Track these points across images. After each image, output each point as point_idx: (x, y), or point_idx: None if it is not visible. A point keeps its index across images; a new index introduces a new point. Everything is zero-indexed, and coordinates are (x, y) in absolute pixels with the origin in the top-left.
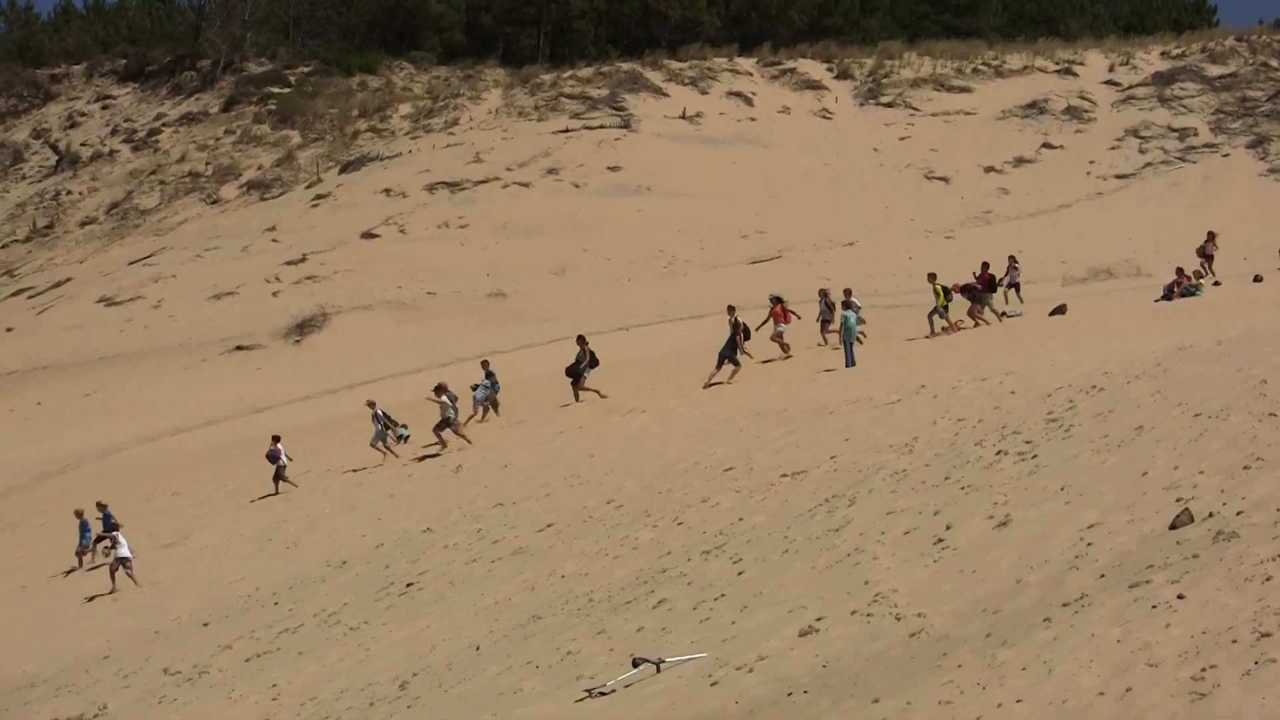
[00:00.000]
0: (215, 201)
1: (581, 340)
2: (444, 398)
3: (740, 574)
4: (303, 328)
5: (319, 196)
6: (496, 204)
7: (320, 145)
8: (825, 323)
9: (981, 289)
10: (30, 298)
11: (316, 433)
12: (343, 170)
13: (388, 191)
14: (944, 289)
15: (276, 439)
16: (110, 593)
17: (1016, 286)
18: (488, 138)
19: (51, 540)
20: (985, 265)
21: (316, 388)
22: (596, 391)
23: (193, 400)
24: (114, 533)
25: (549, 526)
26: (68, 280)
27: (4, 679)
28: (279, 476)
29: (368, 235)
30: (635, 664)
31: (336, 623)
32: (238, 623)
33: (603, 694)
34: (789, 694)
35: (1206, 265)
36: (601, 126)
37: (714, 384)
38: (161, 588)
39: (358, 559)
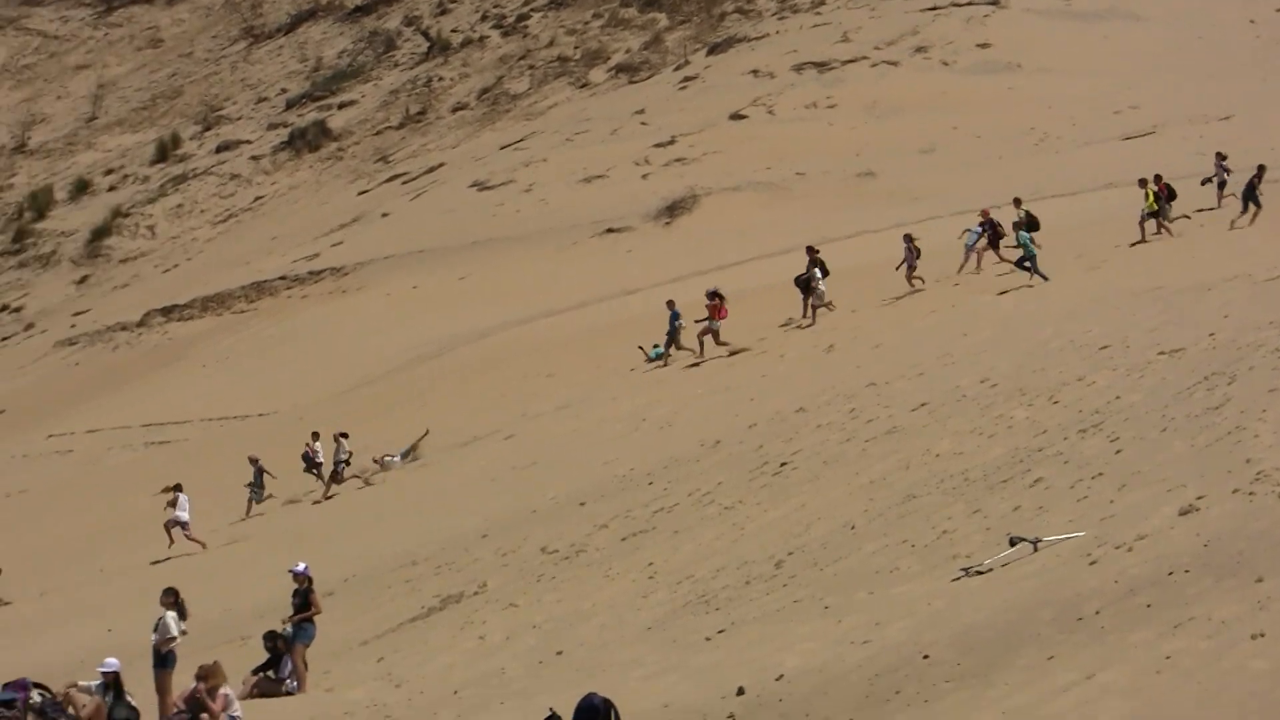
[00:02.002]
0: (584, 85)
1: (811, 250)
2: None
3: (1118, 452)
4: (672, 210)
5: (687, 79)
6: (864, 83)
7: (687, 28)
8: (911, 268)
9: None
10: (404, 183)
11: (686, 314)
12: (710, 52)
13: (755, 73)
14: (1155, 193)
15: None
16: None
17: (1222, 185)
18: (855, 17)
19: (427, 422)
20: (1158, 178)
21: (687, 269)
22: (828, 306)
23: (564, 283)
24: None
25: (922, 405)
26: (440, 166)
27: (387, 558)
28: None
29: (735, 117)
30: (1012, 543)
31: (711, 502)
32: (613, 502)
33: (979, 573)
34: (1169, 573)
35: None
36: (970, 3)
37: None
38: (538, 468)
39: (731, 439)
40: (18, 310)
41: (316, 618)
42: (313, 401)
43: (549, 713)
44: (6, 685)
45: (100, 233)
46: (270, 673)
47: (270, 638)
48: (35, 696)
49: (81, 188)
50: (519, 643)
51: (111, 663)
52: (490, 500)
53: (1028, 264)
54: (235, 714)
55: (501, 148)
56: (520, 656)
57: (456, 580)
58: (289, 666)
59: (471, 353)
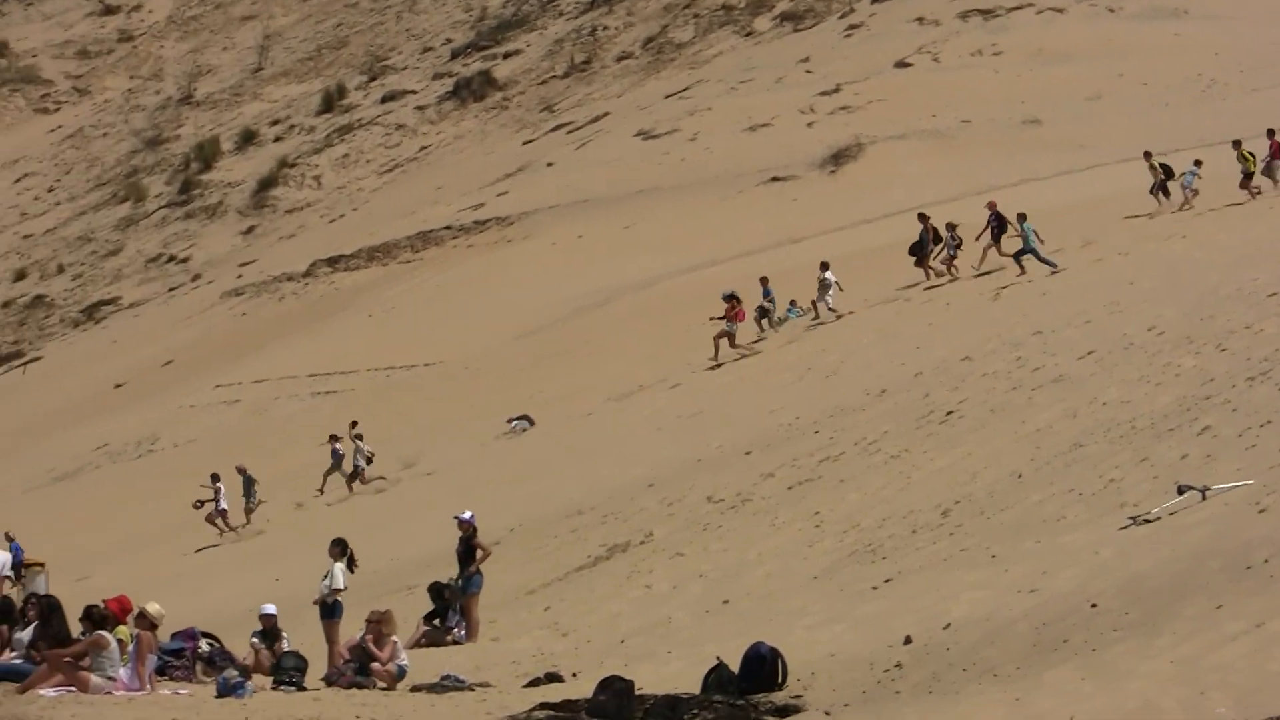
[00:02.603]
0: (749, 34)
1: (923, 218)
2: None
3: None
4: (837, 158)
5: (851, 27)
6: (1030, 31)
7: None
8: (951, 255)
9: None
10: (569, 133)
11: (853, 262)
12: (875, 0)
13: (920, 20)
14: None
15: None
16: None
17: None
18: None
19: (592, 372)
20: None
21: (852, 217)
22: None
23: (729, 232)
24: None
25: (1089, 354)
26: (605, 115)
27: (553, 506)
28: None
29: (900, 64)
30: (1180, 491)
31: (877, 451)
32: (779, 451)
33: (1147, 521)
34: None
35: None
36: None
37: None
38: (703, 416)
39: (897, 387)
40: (185, 261)
41: (483, 566)
42: (478, 351)
43: (716, 661)
44: (175, 635)
45: (266, 183)
46: (437, 622)
47: (436, 588)
48: (204, 646)
49: (248, 139)
50: (685, 592)
51: (269, 608)
52: (656, 450)
53: (1027, 255)
54: (402, 662)
55: (666, 97)
56: (687, 605)
57: (623, 529)
58: (456, 615)
59: (636, 302)
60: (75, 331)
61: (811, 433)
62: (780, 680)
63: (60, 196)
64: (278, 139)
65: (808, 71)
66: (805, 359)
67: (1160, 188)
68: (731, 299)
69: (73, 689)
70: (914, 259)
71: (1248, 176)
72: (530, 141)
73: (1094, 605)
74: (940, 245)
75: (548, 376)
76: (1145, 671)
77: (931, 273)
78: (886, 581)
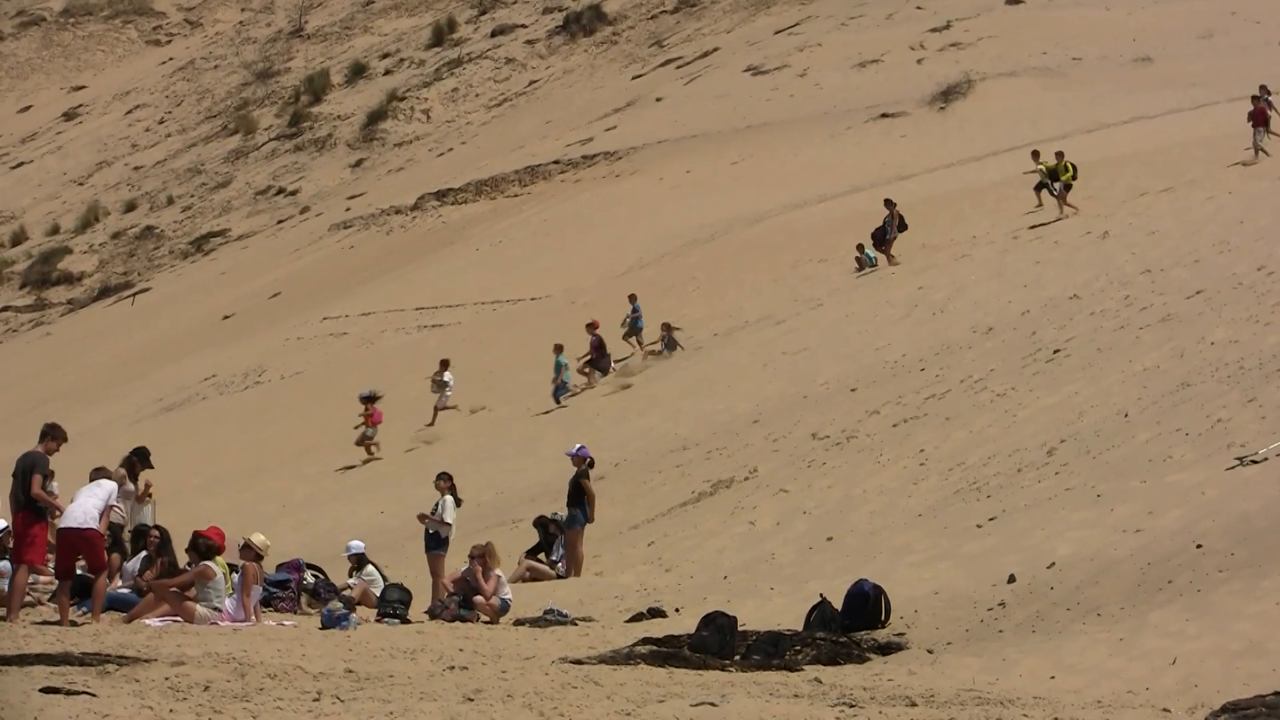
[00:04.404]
0: None
1: (890, 203)
2: None
3: None
4: (948, 94)
5: None
6: None
7: None
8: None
9: None
10: (678, 68)
11: (962, 199)
12: None
13: None
14: None
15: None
16: None
17: None
18: None
19: (699, 308)
20: None
21: (962, 154)
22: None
23: (838, 168)
24: None
25: (1198, 293)
26: (714, 50)
27: (658, 443)
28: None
29: (1012, 1)
30: None
31: (983, 389)
32: (884, 388)
33: (1254, 462)
34: None
35: None
36: None
37: None
38: (810, 353)
39: (1004, 325)
40: (294, 194)
41: (594, 502)
42: (585, 286)
43: (819, 599)
44: (280, 566)
45: (376, 116)
46: (542, 556)
47: (542, 522)
48: (309, 577)
49: (358, 72)
50: (789, 528)
51: (356, 545)
52: (762, 386)
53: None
54: (506, 596)
55: (776, 32)
56: (790, 542)
57: (727, 465)
58: (560, 550)
59: (744, 237)
60: (184, 263)
61: (917, 370)
62: (883, 618)
63: (171, 129)
64: (387, 72)
65: (918, 8)
66: (912, 296)
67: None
68: (369, 400)
69: (179, 619)
70: (874, 242)
71: None
72: (639, 76)
73: (1199, 546)
74: (902, 231)
75: (654, 312)
76: (1252, 613)
77: (891, 258)
78: (991, 520)
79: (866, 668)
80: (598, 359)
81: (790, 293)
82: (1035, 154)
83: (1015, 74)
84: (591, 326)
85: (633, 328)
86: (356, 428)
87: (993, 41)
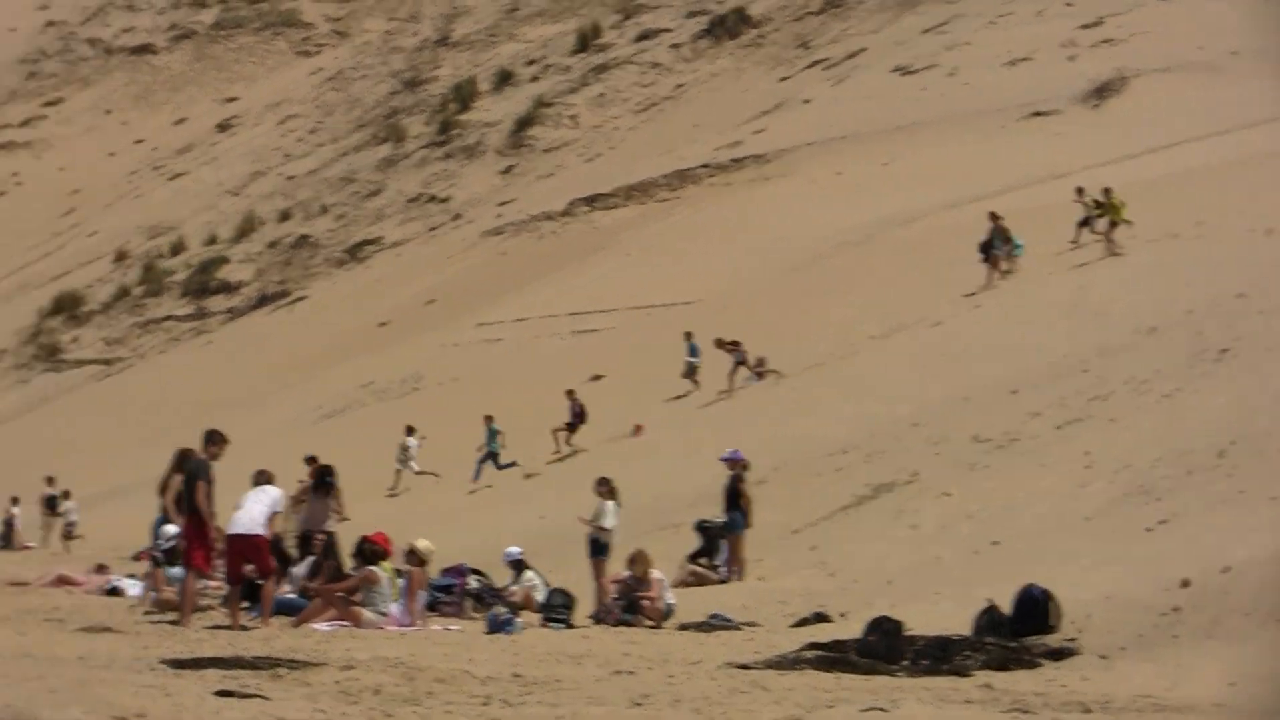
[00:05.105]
0: None
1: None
2: None
3: None
4: (1101, 92)
5: None
6: None
7: None
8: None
9: None
10: (825, 69)
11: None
12: None
13: None
14: None
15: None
16: None
17: None
18: None
19: (853, 310)
20: None
21: (1117, 152)
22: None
23: (991, 167)
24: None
25: None
26: (861, 51)
27: (817, 446)
28: None
29: None
30: None
31: (1148, 389)
32: (1046, 389)
33: None
34: None
35: None
36: None
37: None
38: (969, 354)
39: (1168, 324)
40: (445, 201)
41: (752, 508)
42: (736, 289)
43: (987, 603)
44: (445, 571)
45: (524, 123)
46: (704, 560)
47: (703, 526)
48: (472, 582)
49: (504, 79)
50: (953, 532)
51: (513, 551)
52: (920, 388)
53: None
54: (670, 601)
55: (923, 31)
56: (955, 546)
57: (888, 469)
58: (724, 554)
59: (897, 238)
60: (339, 271)
61: (1079, 371)
62: (1053, 623)
63: (322, 138)
64: (534, 79)
65: (1068, 4)
66: (1072, 296)
67: None
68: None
69: (346, 623)
70: (982, 257)
71: None
72: (786, 78)
73: None
74: (1009, 244)
75: (808, 315)
76: None
77: (997, 274)
78: (1161, 523)
79: (1038, 673)
80: (575, 424)
81: (947, 294)
82: (1080, 190)
83: (1170, 70)
84: (570, 394)
85: (691, 370)
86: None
87: (1146, 37)
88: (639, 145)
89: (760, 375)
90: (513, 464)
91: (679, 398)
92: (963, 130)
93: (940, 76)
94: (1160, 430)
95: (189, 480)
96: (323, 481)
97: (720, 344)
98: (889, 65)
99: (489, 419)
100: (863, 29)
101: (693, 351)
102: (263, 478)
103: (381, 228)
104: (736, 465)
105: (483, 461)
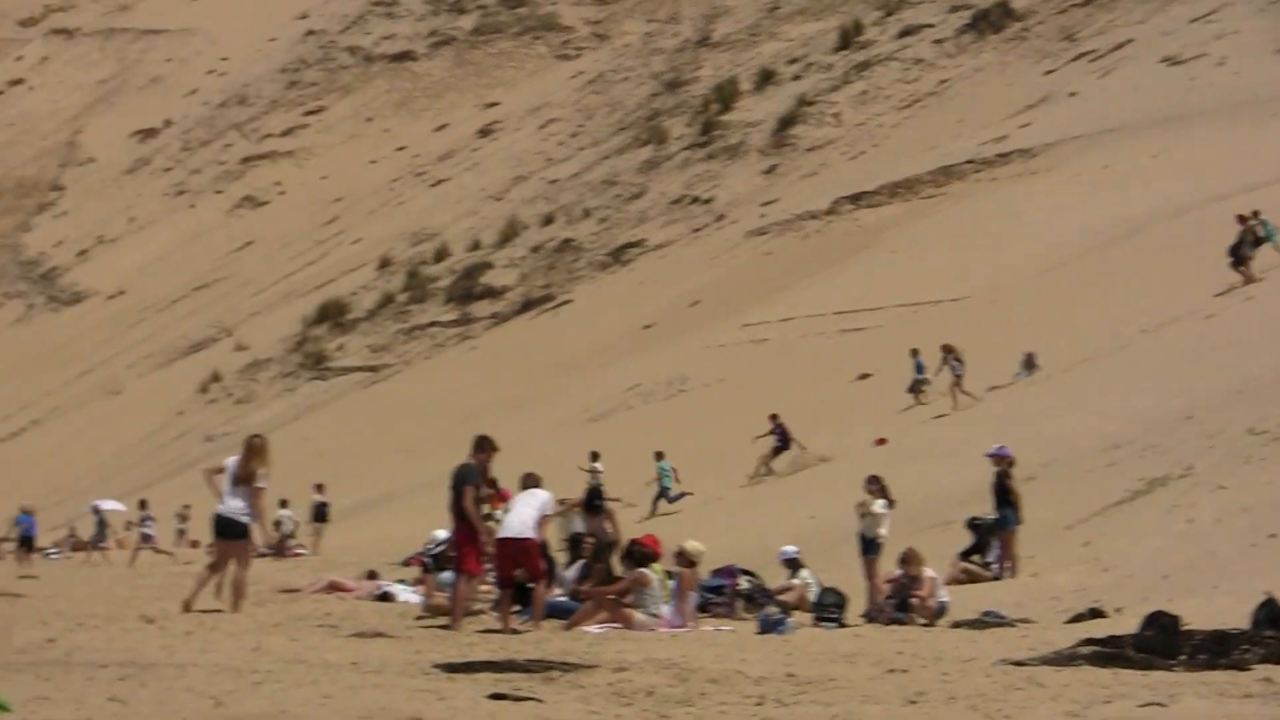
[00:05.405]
0: None
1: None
2: None
3: None
4: None
5: None
6: None
7: None
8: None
9: None
10: (1091, 61)
11: None
12: None
13: None
14: None
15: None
16: None
17: None
18: None
19: (1123, 304)
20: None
21: None
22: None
23: (1265, 156)
24: None
25: None
26: (1128, 42)
27: (1088, 440)
28: None
29: None
30: None
31: None
32: None
33: None
34: None
35: None
36: None
37: None
38: (1243, 346)
39: None
40: (708, 202)
41: (1022, 504)
42: (1004, 285)
43: (1265, 596)
44: (715, 572)
45: (786, 122)
46: (976, 557)
47: (974, 523)
48: (743, 583)
49: (766, 78)
50: (1230, 526)
51: (789, 549)
52: (1193, 381)
53: None
54: (943, 599)
55: (1191, 21)
56: (1232, 539)
57: (1161, 462)
58: (995, 551)
59: (1167, 231)
60: (603, 274)
61: None
62: None
63: (583, 141)
64: (796, 77)
65: None
66: None
67: None
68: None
69: (617, 625)
70: (1232, 261)
71: None
72: (1051, 72)
73: None
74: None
75: (1076, 309)
76: None
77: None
78: None
79: None
80: (781, 447)
81: (1218, 286)
82: (1242, 218)
83: None
84: (774, 417)
85: (916, 386)
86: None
87: None
88: (903, 142)
89: (1031, 369)
90: (685, 494)
91: (949, 396)
92: (1233, 120)
93: (1209, 66)
94: None
95: (457, 485)
96: (591, 504)
97: (948, 351)
98: (1156, 55)
99: (659, 455)
100: (1129, 19)
101: (919, 369)
102: (531, 481)
103: (645, 230)
104: (1002, 461)
105: (657, 498)
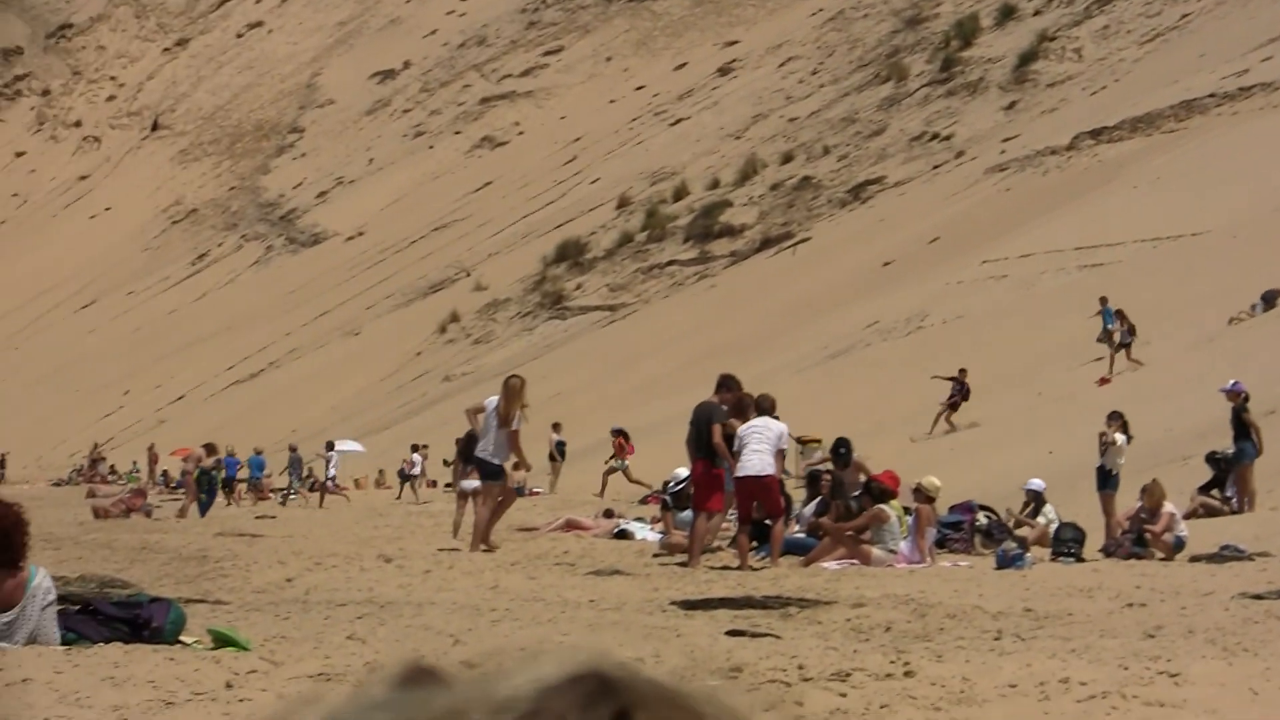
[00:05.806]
0: None
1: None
2: None
3: None
4: None
5: None
6: None
7: None
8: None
9: None
10: None
11: None
12: None
13: None
14: None
15: None
16: None
17: None
18: None
19: None
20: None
21: None
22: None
23: None
24: None
25: None
26: None
27: None
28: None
29: None
30: None
31: None
32: None
33: None
34: None
35: None
36: None
37: None
38: None
39: None
40: (948, 139)
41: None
42: (1246, 220)
43: None
44: (953, 508)
45: (1027, 58)
46: (1215, 491)
47: (1213, 457)
48: (981, 519)
49: (1006, 14)
50: None
51: (1036, 483)
52: None
53: None
54: (1181, 533)
55: None
56: None
57: None
58: (1233, 485)
59: None
60: (842, 211)
61: None
62: None
63: (824, 79)
64: (1036, 13)
65: None
66: None
67: None
68: (620, 434)
69: (855, 562)
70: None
71: None
72: None
73: None
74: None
75: None
76: None
77: None
78: None
79: None
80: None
81: None
82: None
83: None
84: (962, 372)
85: (1108, 335)
86: (607, 461)
87: None
88: (1144, 77)
89: (1270, 305)
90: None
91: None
92: None
93: None
94: None
95: (703, 424)
96: (838, 454)
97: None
98: None
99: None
100: None
101: (1109, 318)
102: (765, 404)
103: (884, 167)
104: (1236, 397)
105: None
